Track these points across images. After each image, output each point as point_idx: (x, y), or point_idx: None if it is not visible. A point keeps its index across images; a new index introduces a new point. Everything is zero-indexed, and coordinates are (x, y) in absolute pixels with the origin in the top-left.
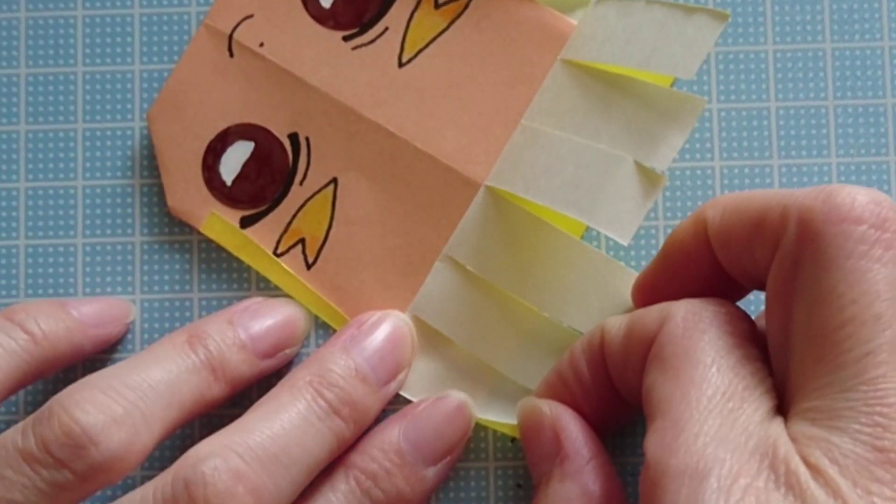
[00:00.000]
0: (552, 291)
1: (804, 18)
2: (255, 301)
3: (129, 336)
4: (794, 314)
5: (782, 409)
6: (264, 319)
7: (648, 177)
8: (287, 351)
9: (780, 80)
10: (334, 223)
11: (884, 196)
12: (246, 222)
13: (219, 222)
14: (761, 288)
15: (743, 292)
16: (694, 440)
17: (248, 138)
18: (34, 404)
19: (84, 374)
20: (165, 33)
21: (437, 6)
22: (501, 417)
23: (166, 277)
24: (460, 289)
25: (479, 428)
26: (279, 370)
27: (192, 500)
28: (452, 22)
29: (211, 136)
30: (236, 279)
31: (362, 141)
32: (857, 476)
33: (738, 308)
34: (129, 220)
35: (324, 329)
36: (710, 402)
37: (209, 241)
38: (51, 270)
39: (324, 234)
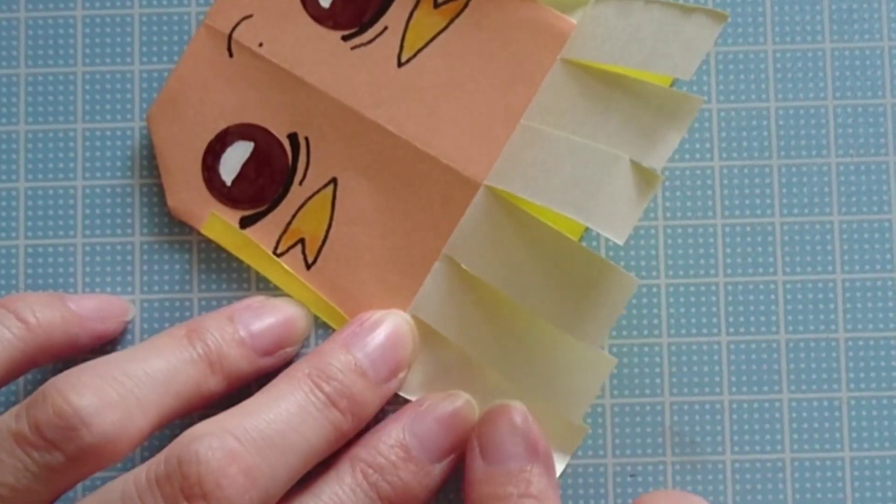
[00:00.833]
0: (548, 294)
1: (804, 18)
2: (257, 299)
3: (129, 336)
4: None
5: None
6: (265, 318)
7: (644, 176)
8: (287, 350)
9: (779, 80)
10: (334, 223)
11: None
12: (246, 222)
13: (219, 222)
14: None
15: None
16: None
17: (248, 138)
18: None
19: None
20: (165, 33)
21: (436, 5)
22: None
23: (166, 277)
24: (459, 289)
25: None
26: (279, 369)
27: (185, 478)
28: (452, 21)
29: (211, 136)
30: (236, 279)
31: (362, 141)
32: None
33: None
34: (129, 221)
35: (324, 329)
36: None
37: (209, 241)
38: (51, 270)
39: (323, 233)
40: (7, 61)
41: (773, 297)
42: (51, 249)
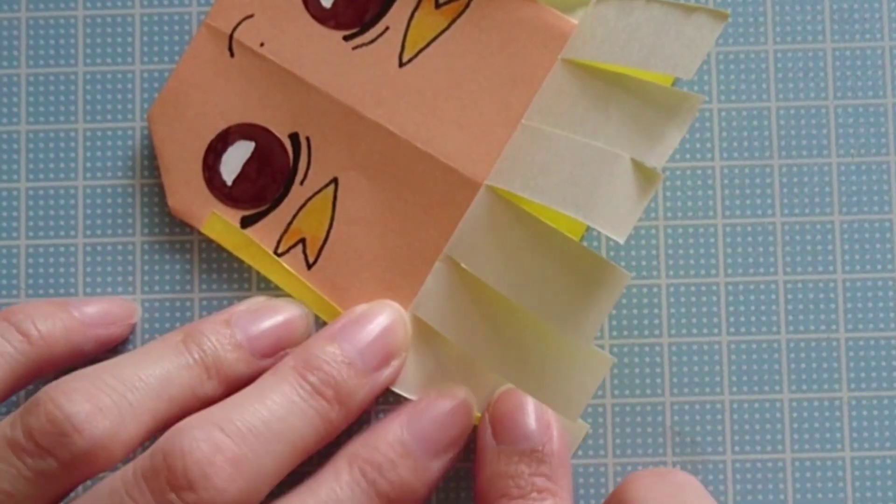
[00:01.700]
0: (544, 292)
1: (804, 18)
2: (256, 301)
3: (129, 336)
4: None
5: None
6: (263, 320)
7: (645, 174)
8: (287, 350)
9: (780, 80)
10: (335, 223)
11: None
12: (246, 222)
13: (219, 222)
14: None
15: None
16: None
17: (249, 138)
18: None
19: None
20: (166, 33)
21: (437, 6)
22: None
23: (167, 277)
24: (460, 289)
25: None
26: None
27: (171, 471)
28: (453, 21)
29: (211, 135)
30: (237, 279)
31: (363, 141)
32: None
33: None
34: (130, 221)
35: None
36: None
37: (210, 241)
38: (51, 270)
39: (324, 233)
40: (8, 61)
41: (773, 297)
42: (52, 249)
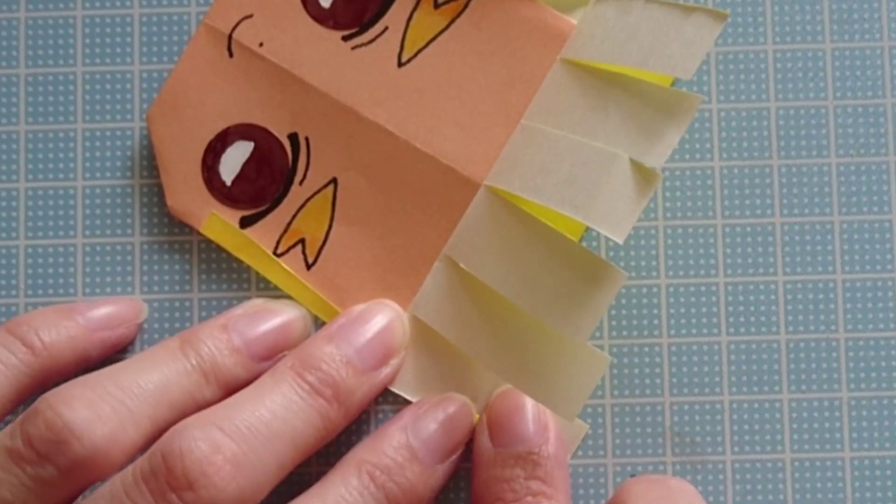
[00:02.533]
0: (542, 291)
1: (804, 18)
2: (254, 304)
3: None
4: None
5: None
6: (261, 323)
7: (644, 174)
8: (286, 353)
9: (780, 80)
10: (334, 223)
11: None
12: (246, 222)
13: (218, 222)
14: None
15: None
16: None
17: (248, 138)
18: None
19: None
20: (165, 33)
21: (436, 6)
22: None
23: (166, 278)
24: (458, 289)
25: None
26: None
27: (170, 471)
28: (452, 21)
29: (210, 136)
30: (236, 280)
31: (362, 141)
32: None
33: None
34: (129, 221)
35: None
36: None
37: (209, 241)
38: (51, 271)
39: (324, 234)
40: (7, 61)
41: (773, 297)
42: (51, 250)
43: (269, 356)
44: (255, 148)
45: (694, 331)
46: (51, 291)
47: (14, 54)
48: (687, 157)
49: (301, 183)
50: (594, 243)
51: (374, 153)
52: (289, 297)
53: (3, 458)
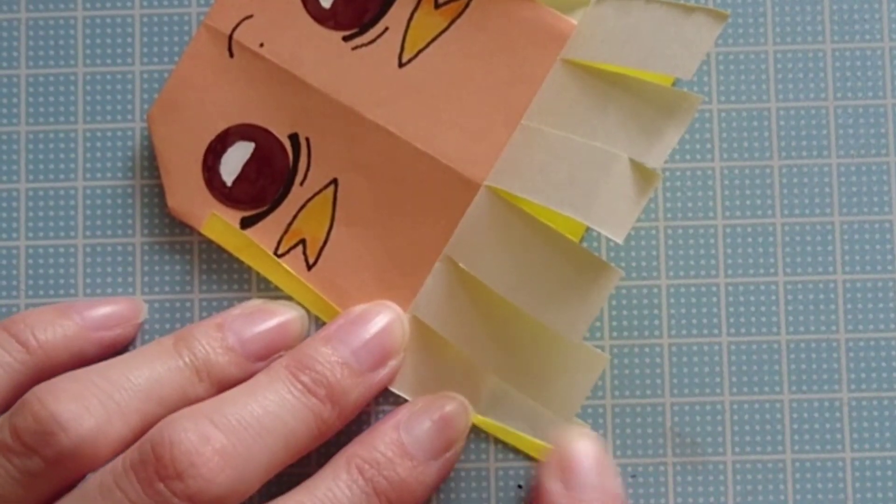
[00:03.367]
0: (541, 292)
1: (804, 19)
2: (252, 304)
3: (136, 336)
4: None
5: None
6: (257, 323)
7: (643, 174)
8: (282, 353)
9: (780, 81)
10: (335, 224)
11: None
12: (246, 223)
13: (219, 223)
14: None
15: None
16: None
17: (249, 139)
18: None
19: None
20: (166, 34)
21: (437, 6)
22: (499, 420)
23: (167, 278)
24: (459, 290)
25: (479, 429)
26: None
27: (160, 460)
28: (452, 22)
29: (211, 136)
30: (237, 280)
31: (362, 141)
32: None
33: None
34: (130, 221)
35: None
36: None
37: (210, 242)
38: (51, 272)
39: (324, 234)
40: (7, 62)
41: (773, 297)
42: (51, 250)
43: (264, 356)
44: (255, 148)
45: (694, 331)
46: (51, 292)
47: (15, 55)
48: (687, 157)
49: (302, 183)
50: (594, 244)
51: (374, 154)
52: (289, 297)
53: None
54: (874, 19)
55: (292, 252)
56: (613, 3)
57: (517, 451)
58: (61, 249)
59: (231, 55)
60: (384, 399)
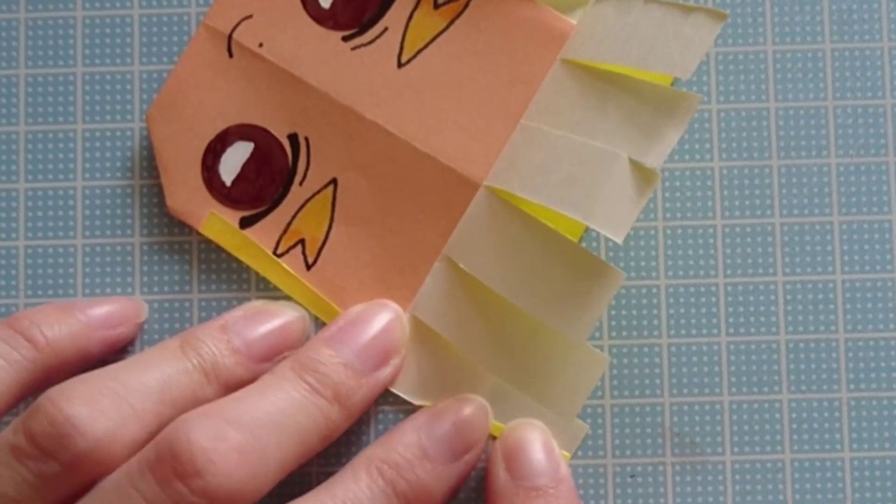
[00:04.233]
0: (540, 292)
1: (804, 19)
2: (253, 305)
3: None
4: None
5: None
6: (260, 325)
7: (643, 174)
8: (285, 354)
9: (779, 81)
10: (334, 223)
11: None
12: (246, 223)
13: (218, 222)
14: None
15: None
16: None
17: (248, 139)
18: None
19: None
20: (165, 34)
21: (436, 6)
22: (500, 420)
23: (166, 278)
24: (458, 290)
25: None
26: None
27: (176, 458)
28: (452, 22)
29: (210, 136)
30: (236, 280)
31: (362, 141)
32: None
33: None
34: (129, 221)
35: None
36: None
37: (209, 241)
38: (50, 271)
39: (324, 234)
40: (7, 62)
41: (772, 297)
42: (51, 250)
43: (268, 357)
44: (254, 148)
45: (694, 331)
46: (51, 292)
47: (14, 55)
48: (687, 157)
49: (301, 183)
50: (594, 244)
51: (373, 153)
52: (289, 297)
53: (6, 455)
54: (873, 19)
55: (291, 252)
56: (613, 2)
57: None
58: (60, 249)
59: (230, 55)
60: (384, 399)
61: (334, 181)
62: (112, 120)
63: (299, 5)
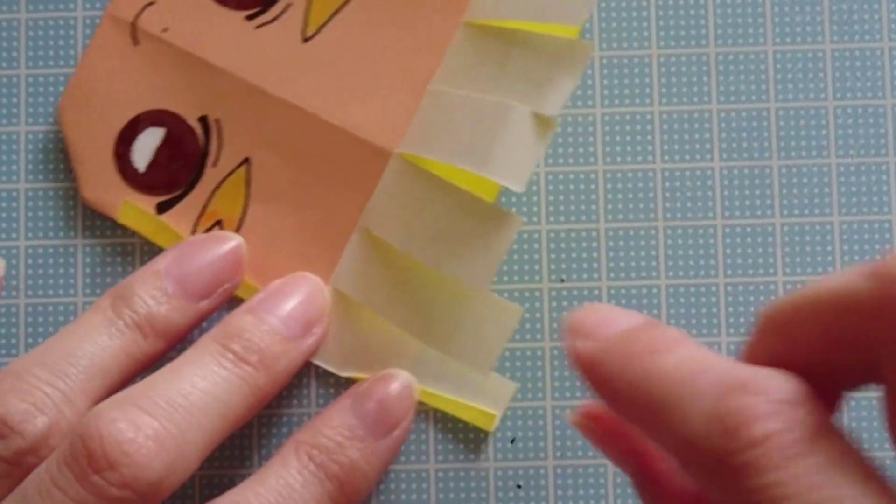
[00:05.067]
0: (448, 248)
1: (804, 19)
2: (188, 241)
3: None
4: None
5: None
6: (193, 259)
7: (540, 122)
8: (226, 286)
9: (779, 81)
10: (250, 202)
11: None
12: (162, 208)
13: (133, 210)
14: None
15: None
16: None
17: (159, 124)
18: None
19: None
20: None
21: None
22: (426, 385)
23: None
24: (375, 259)
25: (480, 430)
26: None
27: (91, 454)
28: None
29: (121, 124)
30: None
31: (272, 119)
32: None
33: None
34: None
35: None
36: None
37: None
38: (51, 271)
39: (240, 213)
40: (7, 62)
41: (773, 297)
42: (51, 250)
43: (208, 293)
44: (166, 133)
45: (694, 332)
46: (51, 292)
47: (14, 55)
48: (687, 157)
49: (214, 165)
50: (594, 243)
51: (285, 130)
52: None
53: None
54: (874, 19)
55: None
56: None
57: (516, 451)
58: (61, 249)
59: (136, 42)
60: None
61: (247, 160)
62: None
63: None
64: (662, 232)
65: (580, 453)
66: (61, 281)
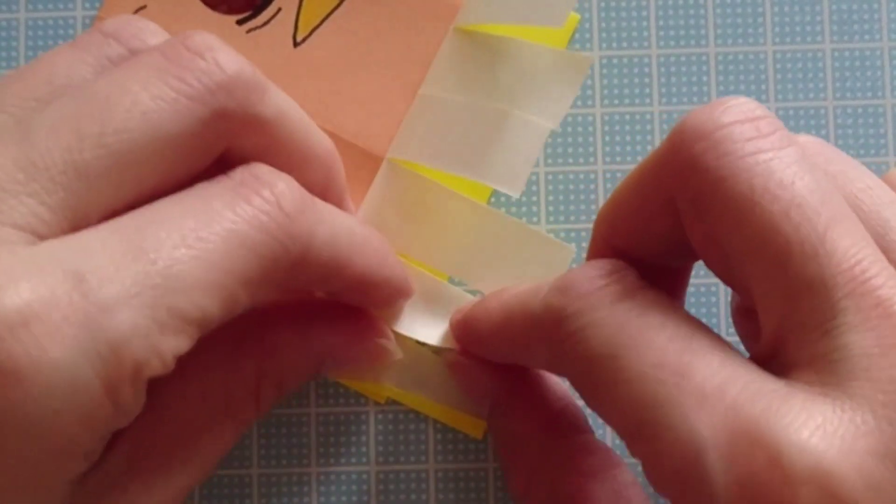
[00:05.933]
0: (459, 257)
1: (804, 19)
2: None
3: None
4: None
5: None
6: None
7: (535, 129)
8: None
9: (779, 81)
10: None
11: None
12: None
13: None
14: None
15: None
16: None
17: None
18: None
19: None
20: None
21: None
22: (413, 391)
23: None
24: None
25: (481, 431)
26: None
27: (184, 42)
28: None
29: None
30: None
31: None
32: None
33: None
34: None
35: None
36: None
37: None
38: None
39: None
40: (7, 62)
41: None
42: None
43: None
44: None
45: None
46: None
47: (14, 55)
48: None
49: None
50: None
51: None
52: None
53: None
54: (873, 19)
55: None
56: None
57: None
58: None
59: None
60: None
61: None
62: None
63: None
64: None
65: None
66: None
